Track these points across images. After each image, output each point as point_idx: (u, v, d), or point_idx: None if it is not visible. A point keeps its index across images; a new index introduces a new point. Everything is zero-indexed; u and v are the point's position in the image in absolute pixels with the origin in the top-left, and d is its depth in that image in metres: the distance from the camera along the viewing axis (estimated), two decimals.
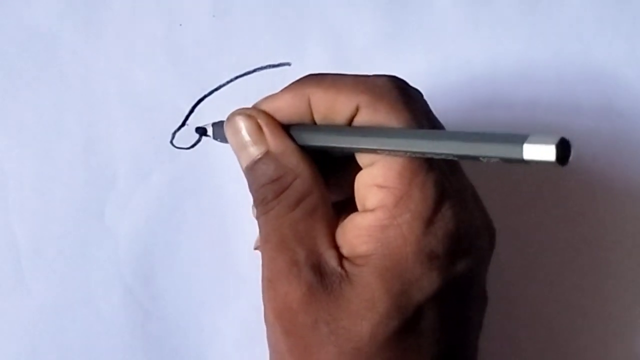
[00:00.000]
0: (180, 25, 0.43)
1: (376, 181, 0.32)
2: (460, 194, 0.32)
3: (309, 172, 0.33)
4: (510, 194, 0.43)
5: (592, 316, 0.42)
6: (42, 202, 0.41)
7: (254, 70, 0.42)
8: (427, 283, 0.31)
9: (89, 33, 0.42)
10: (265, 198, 0.33)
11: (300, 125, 0.34)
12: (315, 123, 0.33)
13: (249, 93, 0.42)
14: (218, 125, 0.37)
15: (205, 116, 0.42)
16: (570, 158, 0.25)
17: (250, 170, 0.34)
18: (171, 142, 0.42)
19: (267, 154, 0.33)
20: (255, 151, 0.34)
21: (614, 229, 0.43)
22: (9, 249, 0.41)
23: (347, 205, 0.34)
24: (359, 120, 0.32)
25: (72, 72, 0.42)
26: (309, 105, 0.33)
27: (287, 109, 0.33)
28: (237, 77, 0.42)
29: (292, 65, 0.42)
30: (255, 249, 0.38)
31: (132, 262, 0.41)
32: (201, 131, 0.40)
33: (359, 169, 0.33)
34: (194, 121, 0.42)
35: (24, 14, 0.42)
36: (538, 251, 0.43)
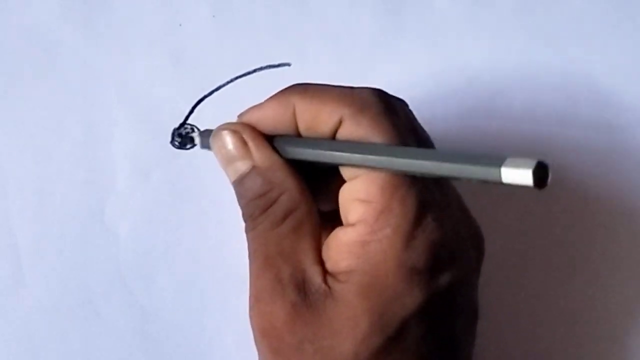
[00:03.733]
0: (180, 25, 0.43)
1: (358, 195, 0.31)
2: (444, 205, 0.32)
3: (295, 186, 0.33)
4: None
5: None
6: (42, 202, 0.41)
7: (254, 71, 0.42)
8: (410, 299, 0.31)
9: (89, 33, 0.42)
10: (253, 214, 0.33)
11: (284, 137, 0.34)
12: (299, 133, 0.33)
13: (249, 93, 0.42)
14: (205, 135, 0.37)
15: (205, 116, 0.42)
16: (549, 181, 0.25)
17: (238, 186, 0.34)
18: (171, 142, 0.42)
19: (253, 169, 0.33)
20: (242, 166, 0.34)
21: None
22: (9, 249, 0.41)
23: (336, 216, 0.34)
24: (342, 133, 0.32)
25: (72, 72, 0.42)
26: (294, 115, 0.33)
27: (273, 118, 0.33)
28: (237, 78, 0.42)
29: (292, 66, 0.42)
30: None
31: (132, 262, 0.41)
32: (188, 140, 0.41)
33: (344, 181, 0.33)
34: (194, 121, 0.42)
35: (24, 14, 0.42)
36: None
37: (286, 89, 0.34)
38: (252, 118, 0.34)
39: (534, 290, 0.42)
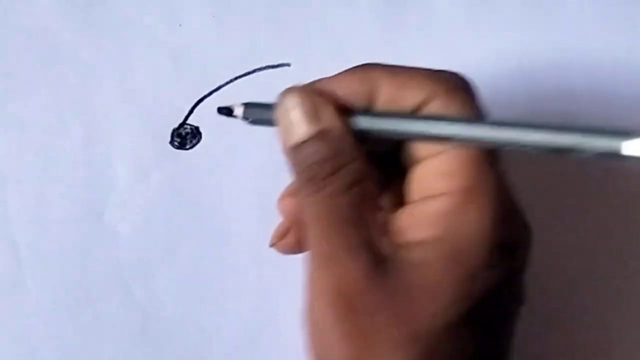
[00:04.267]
0: (180, 25, 0.43)
1: (443, 170, 0.31)
2: (512, 194, 0.32)
3: (363, 157, 0.32)
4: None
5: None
6: (41, 202, 0.41)
7: (254, 71, 0.42)
8: (495, 273, 0.30)
9: (89, 33, 0.42)
10: (316, 176, 0.31)
11: (361, 110, 0.32)
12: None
13: (249, 93, 0.42)
14: (253, 107, 0.35)
15: (205, 116, 0.42)
16: None
17: (298, 149, 0.32)
18: (171, 142, 0.42)
19: (322, 133, 0.31)
20: (309, 129, 0.31)
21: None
22: (9, 250, 0.41)
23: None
24: (431, 108, 0.31)
25: (71, 72, 0.42)
26: (372, 90, 0.32)
27: (348, 90, 0.32)
28: (237, 78, 0.42)
29: (291, 66, 0.42)
30: (271, 245, 0.37)
31: (131, 263, 0.41)
32: (225, 111, 0.38)
33: (399, 165, 0.32)
34: (194, 121, 0.42)
35: (23, 14, 0.42)
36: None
37: (365, 64, 0.32)
38: (324, 88, 0.32)
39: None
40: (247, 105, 0.35)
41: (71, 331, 0.40)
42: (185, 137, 0.42)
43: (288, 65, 0.42)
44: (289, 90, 0.32)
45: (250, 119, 0.35)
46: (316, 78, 0.39)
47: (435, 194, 0.31)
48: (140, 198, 0.41)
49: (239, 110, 0.35)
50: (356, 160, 0.31)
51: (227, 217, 0.42)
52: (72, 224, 0.41)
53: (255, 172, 0.42)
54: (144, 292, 0.41)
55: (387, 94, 0.32)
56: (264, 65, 0.42)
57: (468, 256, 0.30)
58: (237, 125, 0.42)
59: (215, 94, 0.42)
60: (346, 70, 0.32)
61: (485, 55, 0.44)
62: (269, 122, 0.33)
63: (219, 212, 0.42)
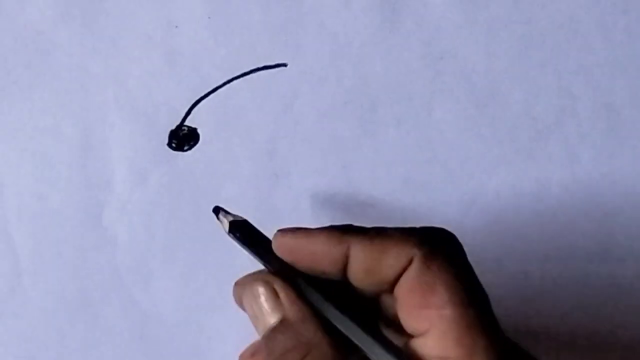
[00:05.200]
0: (176, 27, 0.43)
1: (432, 352, 0.30)
2: None
3: (325, 342, 0.32)
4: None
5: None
6: (39, 205, 0.41)
7: (251, 72, 0.42)
8: None
9: (85, 36, 0.42)
10: None
11: (325, 301, 0.33)
12: (345, 275, 0.32)
13: (246, 95, 0.42)
14: (235, 227, 0.37)
15: (202, 118, 0.42)
16: None
17: (267, 339, 0.33)
18: (168, 144, 0.42)
19: (283, 321, 0.33)
20: (271, 319, 0.33)
21: None
22: (7, 253, 0.41)
23: None
24: (406, 278, 0.31)
25: (68, 75, 0.42)
26: (345, 255, 0.32)
27: (321, 252, 0.32)
28: (233, 79, 0.42)
29: (288, 66, 0.42)
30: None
31: (130, 265, 0.41)
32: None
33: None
34: (191, 123, 0.42)
35: (19, 16, 0.42)
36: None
37: (340, 226, 0.33)
38: (296, 245, 0.33)
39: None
40: (233, 225, 0.37)
41: (70, 334, 0.40)
42: (182, 138, 0.42)
43: (285, 65, 0.42)
44: (253, 278, 0.34)
45: (236, 241, 0.36)
46: (312, 78, 0.39)
47: None
48: (138, 200, 0.41)
49: (225, 225, 0.37)
50: (317, 346, 0.32)
51: None
52: (70, 227, 0.41)
53: (253, 173, 0.42)
54: (143, 294, 0.41)
55: (363, 263, 0.32)
56: (260, 65, 0.42)
57: None
58: (234, 126, 0.42)
59: (212, 95, 0.42)
60: (321, 229, 0.33)
61: (481, 53, 0.44)
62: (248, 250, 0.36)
63: None
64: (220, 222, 0.37)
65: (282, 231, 0.34)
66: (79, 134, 0.41)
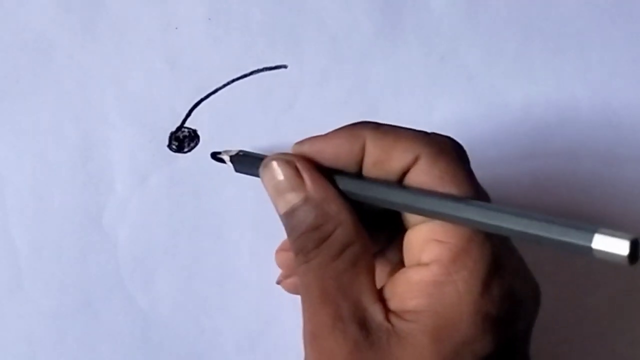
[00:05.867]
0: (176, 28, 0.43)
1: (435, 236, 0.31)
2: (514, 255, 0.32)
3: (351, 220, 0.32)
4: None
5: None
6: (40, 207, 0.41)
7: (251, 73, 0.42)
8: (480, 346, 0.30)
9: (85, 37, 0.42)
10: (306, 247, 0.32)
11: (348, 176, 0.33)
12: (361, 170, 0.32)
13: (246, 96, 0.42)
14: (237, 160, 0.37)
15: (202, 120, 0.42)
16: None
17: (289, 217, 0.33)
18: (168, 145, 0.42)
19: (306, 200, 0.32)
20: (294, 198, 0.32)
21: None
22: (8, 254, 0.41)
23: (379, 258, 0.33)
24: (415, 171, 0.31)
25: (68, 76, 0.42)
26: (362, 149, 0.32)
27: (337, 150, 0.32)
28: (233, 80, 0.42)
29: (288, 68, 0.42)
30: (278, 283, 0.38)
31: (131, 266, 0.41)
32: (218, 160, 0.40)
33: (399, 223, 0.32)
34: (191, 124, 0.42)
35: (19, 18, 0.42)
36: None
37: (355, 123, 0.33)
38: (313, 147, 0.33)
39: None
40: (235, 157, 0.37)
41: (71, 334, 0.40)
42: (183, 140, 0.42)
43: (285, 67, 0.42)
44: (271, 158, 0.33)
45: (241, 171, 0.36)
46: (313, 80, 0.39)
47: (425, 261, 0.31)
48: (139, 201, 0.41)
49: (227, 160, 0.37)
50: (342, 224, 0.32)
51: (225, 220, 0.42)
52: (70, 228, 0.41)
53: None
54: (143, 295, 0.41)
55: (374, 156, 0.32)
56: (260, 67, 0.42)
57: (451, 331, 0.30)
58: (234, 127, 0.42)
59: (212, 96, 0.42)
60: (337, 129, 0.33)
61: (481, 54, 0.44)
62: (255, 175, 0.35)
63: (217, 214, 0.42)
64: (226, 162, 0.37)
65: (298, 143, 0.34)
66: (79, 134, 0.42)
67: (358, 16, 0.43)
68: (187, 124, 0.42)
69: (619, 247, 0.24)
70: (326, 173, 0.33)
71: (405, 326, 0.30)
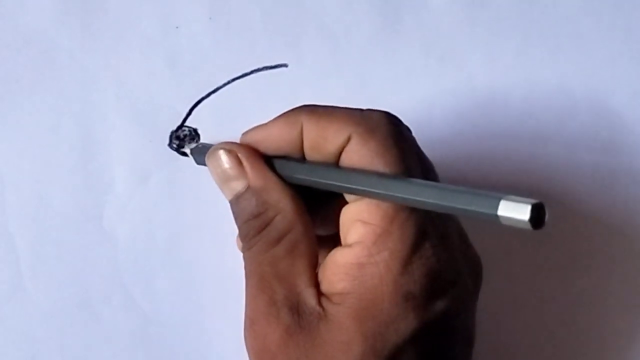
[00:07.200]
0: (177, 27, 0.43)
1: (360, 217, 0.31)
2: (443, 233, 0.32)
3: (290, 207, 0.33)
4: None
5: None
6: (40, 206, 0.41)
7: (251, 72, 0.42)
8: (404, 324, 0.31)
9: (86, 37, 0.42)
10: (248, 234, 0.33)
11: (285, 160, 0.34)
12: (303, 154, 0.33)
13: (246, 95, 0.42)
14: (197, 151, 0.38)
15: (202, 119, 0.42)
16: (546, 221, 0.25)
17: (234, 205, 0.34)
18: (169, 144, 0.42)
19: (248, 188, 0.33)
20: (237, 186, 0.34)
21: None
22: (8, 254, 0.41)
23: (337, 240, 0.33)
24: (347, 151, 0.32)
25: (69, 76, 0.42)
26: (300, 134, 0.33)
27: (278, 137, 0.33)
28: (234, 79, 0.42)
29: (289, 67, 0.42)
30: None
31: (131, 266, 0.41)
32: (182, 154, 0.41)
33: (345, 203, 0.33)
34: (192, 123, 0.42)
35: (20, 18, 0.42)
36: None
37: (294, 108, 0.34)
38: (256, 137, 0.34)
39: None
40: (195, 149, 0.38)
41: (71, 334, 0.40)
42: (183, 139, 0.42)
43: (285, 66, 0.42)
44: (215, 148, 0.34)
45: (200, 164, 0.37)
46: (313, 79, 0.39)
47: (350, 242, 0.31)
48: (139, 200, 0.41)
49: (189, 152, 0.39)
50: (282, 212, 0.33)
51: (226, 219, 0.41)
52: (71, 228, 0.41)
53: None
54: (144, 294, 0.41)
55: (310, 140, 0.33)
56: (261, 66, 0.42)
57: (374, 312, 0.30)
58: (234, 126, 0.42)
59: (213, 95, 0.42)
60: (278, 116, 0.34)
61: (481, 54, 0.44)
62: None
63: (218, 213, 0.41)
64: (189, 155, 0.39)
65: (244, 132, 0.35)
66: (79, 134, 0.42)
67: (358, 16, 0.43)
68: (187, 123, 0.42)
69: (521, 211, 0.25)
70: (268, 161, 0.34)
71: (333, 309, 0.31)
